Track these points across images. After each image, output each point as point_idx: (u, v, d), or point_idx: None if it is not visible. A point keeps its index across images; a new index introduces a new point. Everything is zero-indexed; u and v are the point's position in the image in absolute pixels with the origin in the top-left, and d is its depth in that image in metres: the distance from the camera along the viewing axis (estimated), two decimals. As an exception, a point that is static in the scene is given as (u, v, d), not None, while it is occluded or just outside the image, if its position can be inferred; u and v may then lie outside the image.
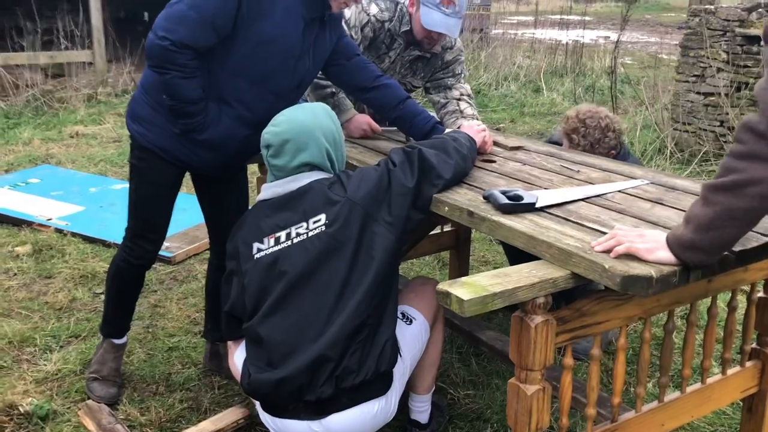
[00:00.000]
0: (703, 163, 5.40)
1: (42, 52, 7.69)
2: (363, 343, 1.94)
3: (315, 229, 2.01)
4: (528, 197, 2.03)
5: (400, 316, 2.13)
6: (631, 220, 1.97)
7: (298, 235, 2.02)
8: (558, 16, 12.33)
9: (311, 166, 2.10)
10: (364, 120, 2.89)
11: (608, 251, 1.70)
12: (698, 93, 5.76)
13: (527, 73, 9.78)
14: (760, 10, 5.48)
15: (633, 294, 1.68)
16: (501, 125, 3.58)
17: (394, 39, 2.96)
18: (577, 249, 1.73)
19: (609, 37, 14.71)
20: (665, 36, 15.41)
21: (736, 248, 1.75)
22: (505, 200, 2.00)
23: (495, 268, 4.01)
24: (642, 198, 2.17)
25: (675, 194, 2.22)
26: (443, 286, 1.64)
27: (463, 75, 3.13)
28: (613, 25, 16.87)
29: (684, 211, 2.05)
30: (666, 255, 1.65)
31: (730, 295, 2.16)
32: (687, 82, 5.85)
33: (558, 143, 2.97)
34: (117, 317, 2.75)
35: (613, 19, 17.75)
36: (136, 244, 2.57)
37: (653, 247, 1.66)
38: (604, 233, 1.84)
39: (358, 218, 1.99)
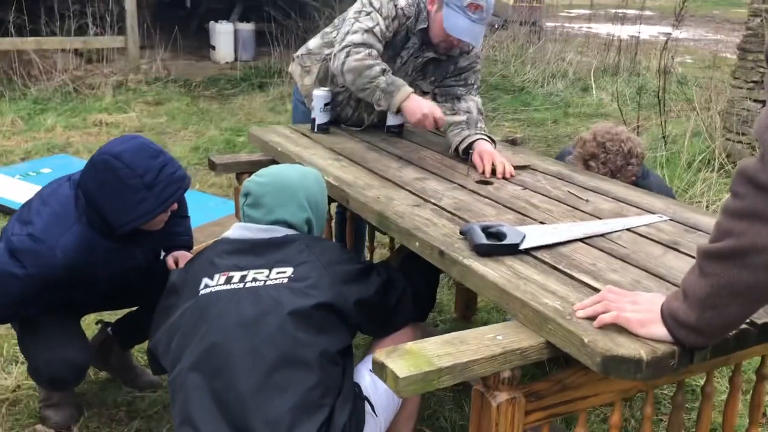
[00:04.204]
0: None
1: (74, 37, 7.58)
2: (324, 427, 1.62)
3: (276, 279, 1.74)
4: (512, 235, 1.71)
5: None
6: (633, 270, 1.63)
7: (254, 279, 1.75)
8: (618, 10, 11.69)
9: (288, 225, 1.89)
10: (427, 105, 2.51)
11: (593, 318, 1.37)
12: (756, 101, 5.25)
13: (577, 71, 9.26)
14: (830, 10, 4.95)
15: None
16: (516, 135, 3.22)
17: (409, 37, 2.64)
18: (555, 312, 1.41)
19: (671, 33, 13.99)
20: (731, 33, 14.57)
21: (760, 320, 1.40)
22: (482, 239, 1.68)
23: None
24: (654, 240, 1.83)
25: (695, 236, 1.86)
26: (380, 356, 1.33)
27: (476, 86, 2.77)
28: (678, 21, 16.08)
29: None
30: (662, 330, 1.31)
31: (761, 361, 1.79)
32: (743, 88, 5.35)
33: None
34: None
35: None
36: None
37: (647, 319, 1.32)
38: (596, 289, 1.51)
39: (326, 285, 1.73)
